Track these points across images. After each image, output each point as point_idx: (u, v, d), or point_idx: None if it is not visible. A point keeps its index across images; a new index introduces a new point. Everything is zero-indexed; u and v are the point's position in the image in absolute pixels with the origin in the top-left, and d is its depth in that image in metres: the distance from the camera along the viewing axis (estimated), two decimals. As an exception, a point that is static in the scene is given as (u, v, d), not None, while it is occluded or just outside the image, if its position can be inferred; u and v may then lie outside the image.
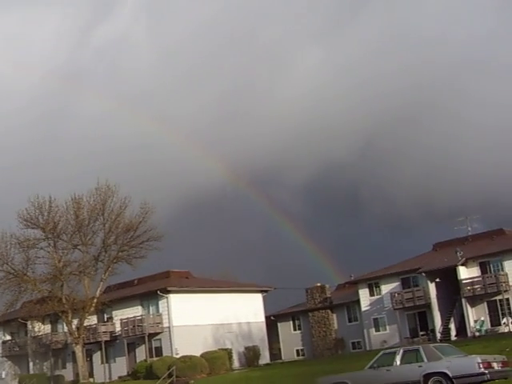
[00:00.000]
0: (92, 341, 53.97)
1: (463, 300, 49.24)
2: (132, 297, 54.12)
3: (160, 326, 51.67)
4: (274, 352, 61.02)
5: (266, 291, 59.07)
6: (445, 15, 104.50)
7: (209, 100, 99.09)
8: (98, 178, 51.67)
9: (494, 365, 20.65)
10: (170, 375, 45.12)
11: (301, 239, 75.47)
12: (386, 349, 30.34)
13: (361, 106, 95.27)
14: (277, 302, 62.01)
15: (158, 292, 51.76)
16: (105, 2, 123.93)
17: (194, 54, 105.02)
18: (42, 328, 58.56)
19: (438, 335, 49.72)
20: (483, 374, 20.02)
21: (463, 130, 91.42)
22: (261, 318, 57.89)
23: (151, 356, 51.18)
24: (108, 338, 53.84)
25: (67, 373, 56.84)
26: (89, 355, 55.25)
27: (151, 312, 52.97)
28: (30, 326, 59.27)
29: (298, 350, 61.21)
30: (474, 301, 49.40)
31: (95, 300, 51.97)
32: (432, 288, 51.04)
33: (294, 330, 62.04)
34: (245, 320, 55.69)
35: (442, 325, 50.52)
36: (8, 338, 62.02)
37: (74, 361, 54.84)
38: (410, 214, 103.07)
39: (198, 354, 48.04)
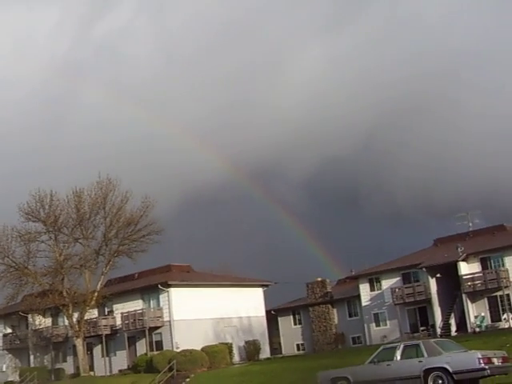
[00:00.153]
0: (93, 334, 54.05)
1: (464, 295, 49.19)
2: (133, 290, 54.12)
3: (160, 319, 51.70)
4: (275, 346, 61.03)
5: (266, 285, 59.03)
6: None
7: (209, 90, 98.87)
8: (99, 172, 51.88)
9: (494, 360, 20.71)
10: (170, 369, 45.23)
11: (302, 234, 75.50)
12: (387, 344, 30.40)
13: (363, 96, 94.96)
14: (277, 296, 62.01)
15: (159, 286, 51.74)
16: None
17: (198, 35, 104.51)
18: (42, 321, 58.54)
19: (439, 330, 49.72)
20: (483, 369, 20.07)
21: (464, 120, 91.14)
22: (261, 312, 57.88)
23: (152, 350, 51.22)
24: (108, 332, 53.89)
25: (68, 366, 56.92)
26: (89, 348, 55.32)
27: (152, 306, 52.98)
28: (30, 319, 59.25)
29: (298, 345, 61.27)
30: (474, 296, 49.35)
31: (96, 293, 52.07)
32: (432, 283, 51.02)
33: (295, 324, 62.10)
34: (245, 314, 55.70)
35: (442, 320, 50.50)
36: (9, 331, 62.05)
37: (75, 354, 54.94)
38: (410, 209, 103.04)
39: (198, 347, 48.05)
